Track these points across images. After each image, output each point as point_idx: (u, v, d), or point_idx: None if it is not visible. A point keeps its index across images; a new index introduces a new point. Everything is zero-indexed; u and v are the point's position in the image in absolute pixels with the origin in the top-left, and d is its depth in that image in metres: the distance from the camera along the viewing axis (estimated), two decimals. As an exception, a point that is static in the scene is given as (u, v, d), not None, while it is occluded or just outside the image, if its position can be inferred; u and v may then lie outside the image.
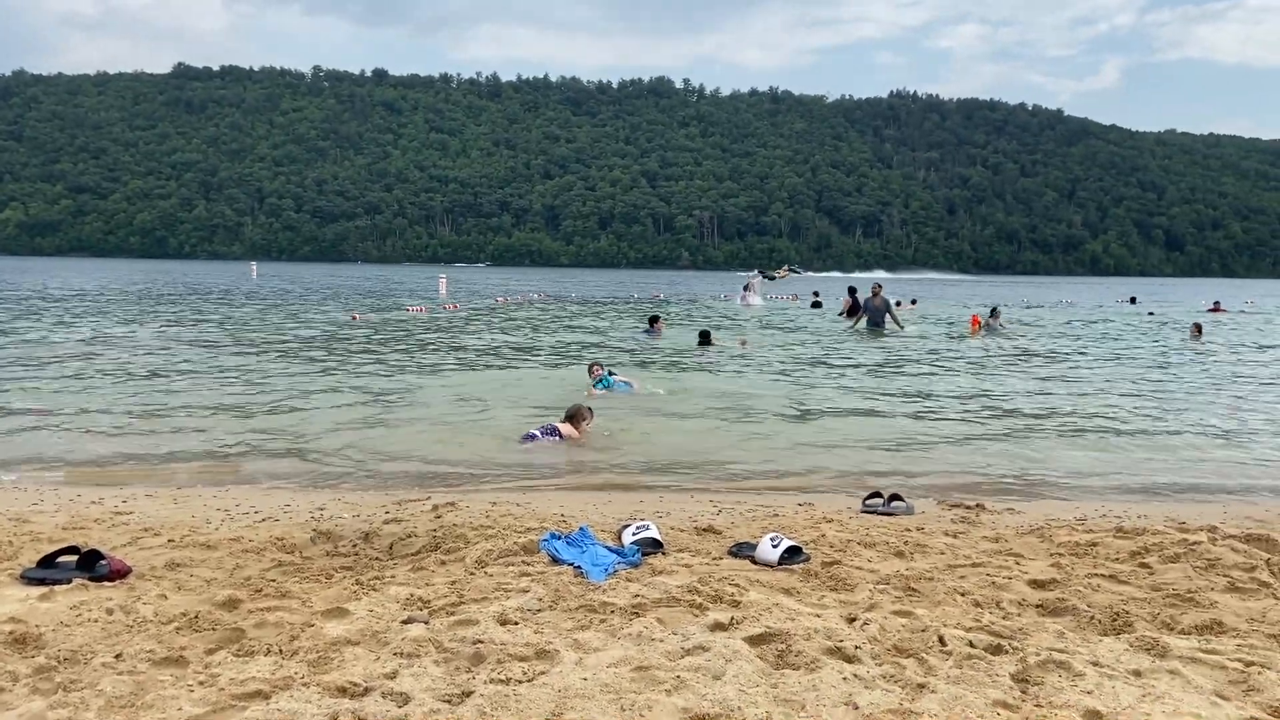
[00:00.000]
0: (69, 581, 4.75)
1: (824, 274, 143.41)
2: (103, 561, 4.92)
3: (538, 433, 9.26)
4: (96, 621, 4.21)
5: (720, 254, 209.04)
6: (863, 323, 24.88)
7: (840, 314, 32.57)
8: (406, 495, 7.06)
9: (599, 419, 9.82)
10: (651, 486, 7.57)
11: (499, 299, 42.55)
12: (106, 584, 4.77)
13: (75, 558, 4.97)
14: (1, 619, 4.19)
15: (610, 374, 13.33)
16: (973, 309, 43.49)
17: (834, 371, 16.22)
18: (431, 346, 19.72)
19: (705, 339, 19.94)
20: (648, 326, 22.93)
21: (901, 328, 24.77)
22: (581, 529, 5.54)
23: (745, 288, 44.46)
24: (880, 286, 25.97)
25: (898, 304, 39.27)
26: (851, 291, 34.64)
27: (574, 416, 9.37)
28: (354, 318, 27.70)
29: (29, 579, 4.81)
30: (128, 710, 3.34)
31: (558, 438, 9.16)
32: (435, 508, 6.40)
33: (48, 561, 4.96)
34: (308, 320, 27.54)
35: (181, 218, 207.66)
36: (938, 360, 18.34)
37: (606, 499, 7.00)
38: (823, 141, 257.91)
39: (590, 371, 13.65)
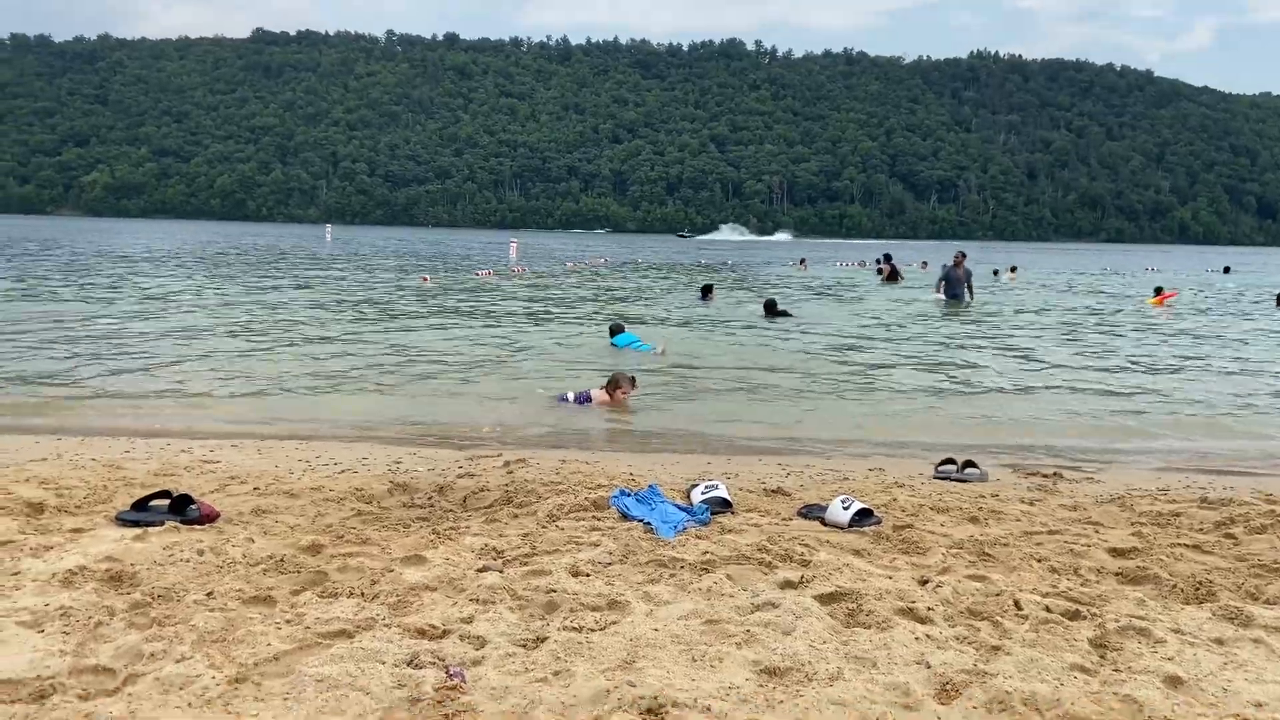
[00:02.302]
0: (161, 524, 4.95)
1: (896, 240, 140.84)
2: (193, 506, 5.12)
3: (570, 396, 9.29)
4: (188, 561, 4.38)
5: (790, 219, 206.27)
6: (941, 292, 24.14)
7: (882, 281, 31.93)
8: (478, 451, 7.19)
9: (647, 384, 9.88)
10: (718, 449, 7.58)
11: (568, 264, 42.70)
12: (197, 527, 4.97)
13: (167, 502, 5.17)
14: (99, 557, 4.40)
15: (630, 335, 13.61)
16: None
17: (907, 341, 15.98)
18: (496, 310, 19.93)
19: (771, 309, 19.65)
20: (701, 295, 22.61)
21: (972, 298, 24.08)
22: (651, 487, 5.58)
23: (802, 261, 44.05)
24: (964, 255, 24.69)
25: (995, 272, 38.25)
26: (887, 258, 33.87)
27: (613, 383, 9.29)
28: (424, 280, 27.84)
29: (124, 520, 5.02)
30: (220, 645, 3.49)
31: (588, 403, 9.15)
32: (507, 464, 6.51)
33: (141, 505, 5.18)
34: (383, 281, 28.01)
35: (259, 181, 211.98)
36: (1023, 334, 17.93)
37: (675, 460, 7.04)
38: (898, 104, 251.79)
39: (610, 328, 13.81)
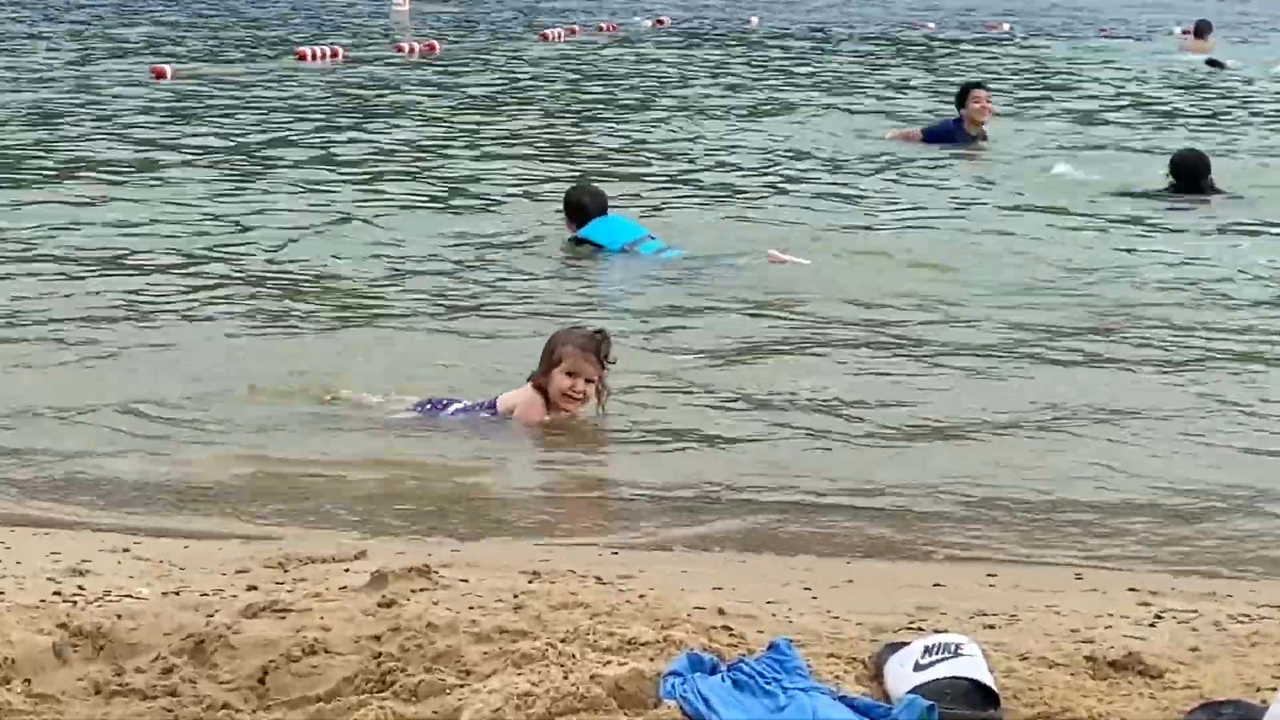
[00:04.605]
0: None
1: None
2: None
3: (450, 404, 4.62)
4: None
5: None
6: None
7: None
8: (302, 544, 3.13)
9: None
10: (954, 543, 3.46)
11: (548, 31, 22.15)
12: None
13: None
14: None
15: (626, 222, 7.05)
16: None
17: None
18: (363, 158, 10.39)
19: (1190, 176, 9.12)
20: (957, 109, 11.42)
21: None
22: (775, 647, 2.62)
23: (1199, 29, 21.39)
24: None
25: None
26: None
27: (552, 358, 4.41)
28: (156, 76, 14.78)
29: None
30: None
31: (491, 414, 4.60)
32: (378, 579, 2.73)
33: None
34: (57, 75, 15.03)
35: None
36: None
37: (841, 569, 3.14)
38: None
39: (572, 207, 6.97)
